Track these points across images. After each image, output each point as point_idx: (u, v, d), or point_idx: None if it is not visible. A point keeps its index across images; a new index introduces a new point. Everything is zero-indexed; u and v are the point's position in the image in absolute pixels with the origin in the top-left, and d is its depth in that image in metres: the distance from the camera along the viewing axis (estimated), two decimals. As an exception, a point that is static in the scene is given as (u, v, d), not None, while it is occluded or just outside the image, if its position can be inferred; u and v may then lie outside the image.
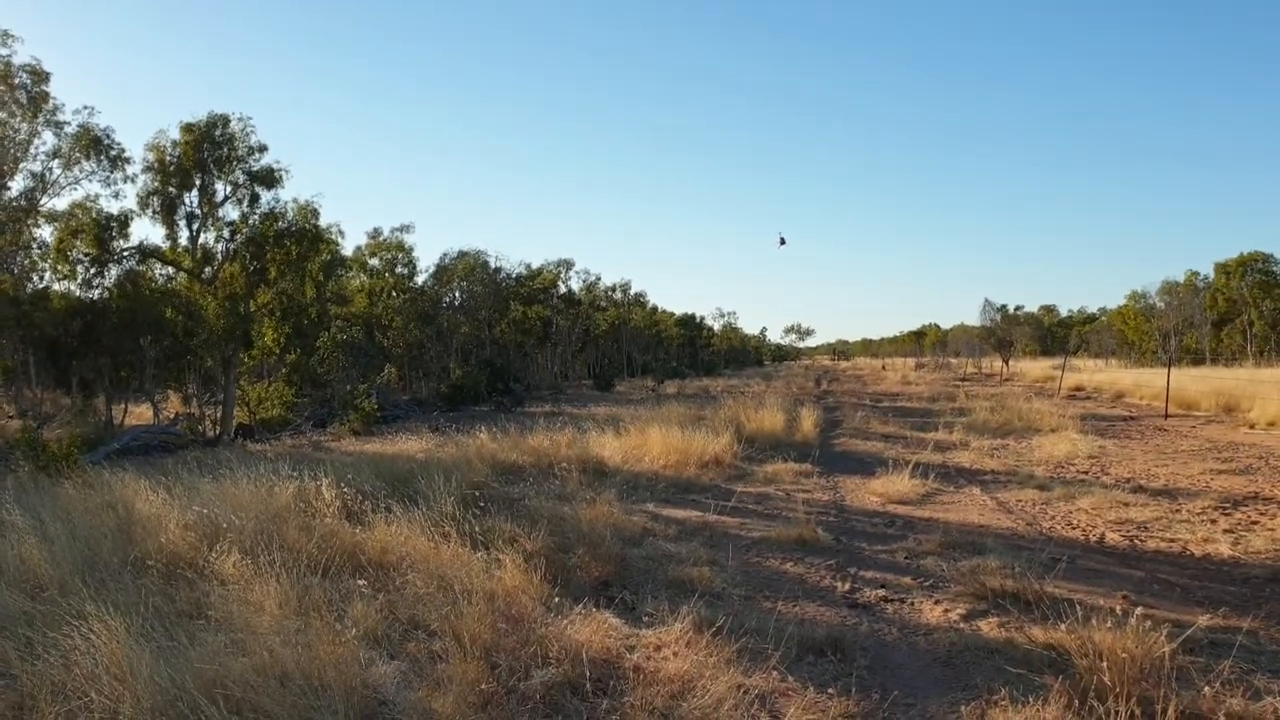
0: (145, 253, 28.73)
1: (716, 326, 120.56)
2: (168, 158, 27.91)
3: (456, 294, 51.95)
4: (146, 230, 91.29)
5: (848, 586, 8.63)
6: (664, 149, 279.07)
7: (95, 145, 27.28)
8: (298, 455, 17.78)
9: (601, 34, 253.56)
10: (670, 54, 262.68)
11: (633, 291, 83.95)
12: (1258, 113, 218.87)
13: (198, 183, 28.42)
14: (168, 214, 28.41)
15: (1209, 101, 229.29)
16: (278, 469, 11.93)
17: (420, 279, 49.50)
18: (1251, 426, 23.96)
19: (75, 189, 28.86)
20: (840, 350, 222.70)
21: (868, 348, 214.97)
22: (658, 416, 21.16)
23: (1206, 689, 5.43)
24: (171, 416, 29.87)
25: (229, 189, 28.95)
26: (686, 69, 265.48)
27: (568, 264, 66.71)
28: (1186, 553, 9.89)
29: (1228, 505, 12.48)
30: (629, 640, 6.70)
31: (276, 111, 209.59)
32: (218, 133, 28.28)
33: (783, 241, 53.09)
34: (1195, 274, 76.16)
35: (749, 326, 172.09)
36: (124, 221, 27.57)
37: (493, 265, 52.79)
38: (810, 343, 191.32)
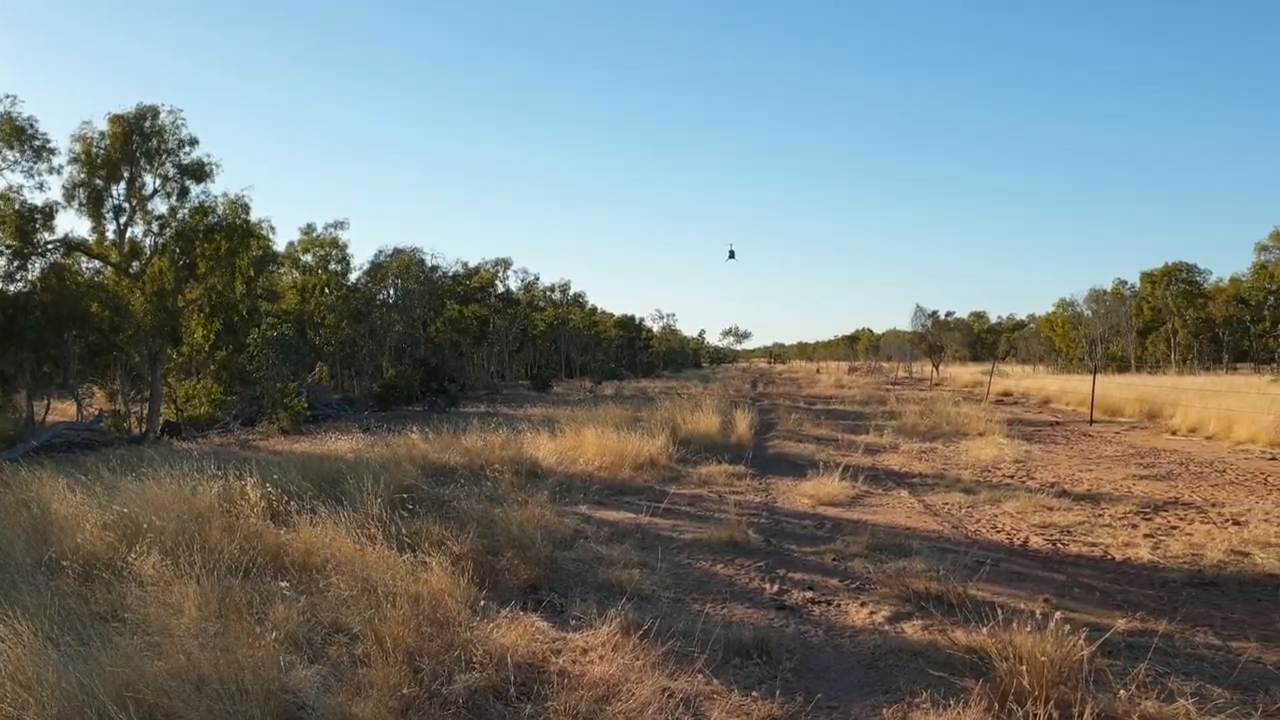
0: (71, 245, 28.05)
1: (655, 328, 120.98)
2: (94, 149, 27.30)
3: (391, 292, 51.45)
4: (72, 223, 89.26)
5: (776, 588, 8.67)
6: (604, 148, 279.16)
7: (18, 134, 26.45)
8: (224, 454, 17.46)
9: (540, 33, 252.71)
10: (605, 54, 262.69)
11: (572, 292, 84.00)
12: (1187, 125, 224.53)
13: (126, 175, 27.84)
14: (94, 206, 27.80)
15: (1138, 112, 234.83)
16: (203, 468, 11.68)
17: (354, 276, 48.97)
18: (1173, 433, 24.55)
19: (-3, 179, 28.01)
20: (777, 353, 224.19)
21: (803, 351, 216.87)
22: (594, 418, 21.13)
23: (1122, 692, 5.51)
24: (96, 413, 29.22)
25: (158, 182, 28.43)
26: (620, 69, 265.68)
27: (505, 263, 66.54)
28: (1107, 557, 10.08)
29: (1148, 510, 12.76)
30: (555, 644, 6.66)
31: (209, 105, 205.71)
32: (147, 124, 27.75)
33: (732, 255, 53.00)
34: (1122, 283, 77.98)
35: (688, 328, 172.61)
36: (48, 213, 26.87)
37: (429, 263, 52.40)
38: (748, 345, 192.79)
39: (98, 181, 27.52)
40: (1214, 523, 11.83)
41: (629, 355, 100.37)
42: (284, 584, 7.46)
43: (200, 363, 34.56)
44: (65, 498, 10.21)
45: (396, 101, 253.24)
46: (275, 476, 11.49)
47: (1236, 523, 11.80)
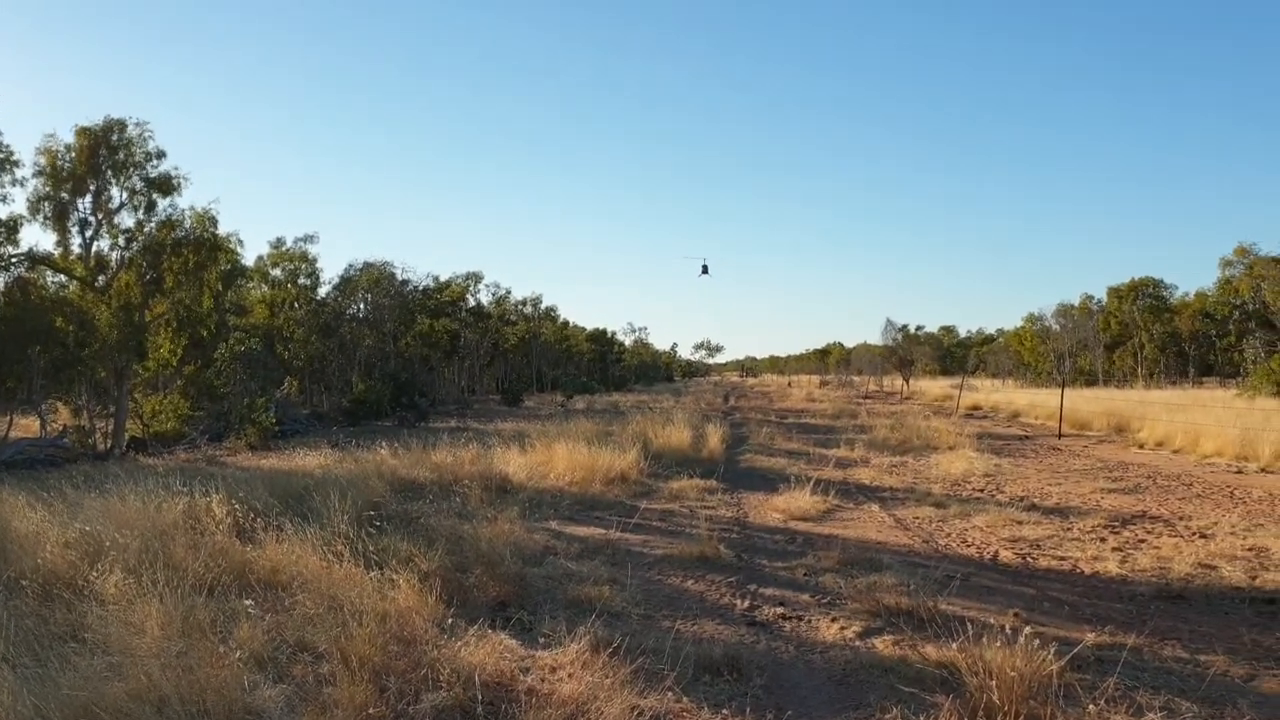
0: (35, 259, 27.72)
1: (628, 342, 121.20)
2: (60, 162, 26.99)
3: (361, 306, 51.15)
4: (37, 236, 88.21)
5: (747, 604, 8.65)
6: (575, 161, 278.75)
7: (-19, 147, 26.14)
8: (191, 470, 17.28)
9: (508, 41, 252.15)
10: (577, 69, 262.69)
11: (544, 305, 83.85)
12: (1153, 141, 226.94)
13: (92, 188, 27.54)
14: (60, 220, 27.45)
15: (1105, 128, 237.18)
16: (169, 484, 11.56)
17: (324, 290, 48.63)
18: (1141, 446, 24.77)
19: (-42, 193, 27.60)
20: (749, 367, 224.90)
21: (775, 365, 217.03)
22: (565, 432, 21.07)
23: (1091, 706, 5.52)
24: (60, 429, 28.83)
25: (125, 195, 28.10)
26: (591, 83, 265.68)
27: (477, 277, 66.39)
28: (1076, 570, 10.13)
29: (1117, 524, 12.85)
30: (524, 662, 6.60)
31: (176, 115, 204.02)
32: (114, 137, 27.45)
33: (705, 270, 52.39)
34: (1090, 298, 78.61)
35: (660, 342, 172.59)
36: (12, 227, 26.51)
37: (399, 277, 52.12)
38: (720, 359, 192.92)
39: (63, 195, 27.19)
40: (1181, 536, 11.92)
41: (601, 369, 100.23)
42: (249, 602, 7.36)
43: (167, 378, 34.21)
44: (26, 515, 10.04)
45: (367, 114, 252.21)
46: (241, 493, 11.38)
47: (1203, 536, 11.90)
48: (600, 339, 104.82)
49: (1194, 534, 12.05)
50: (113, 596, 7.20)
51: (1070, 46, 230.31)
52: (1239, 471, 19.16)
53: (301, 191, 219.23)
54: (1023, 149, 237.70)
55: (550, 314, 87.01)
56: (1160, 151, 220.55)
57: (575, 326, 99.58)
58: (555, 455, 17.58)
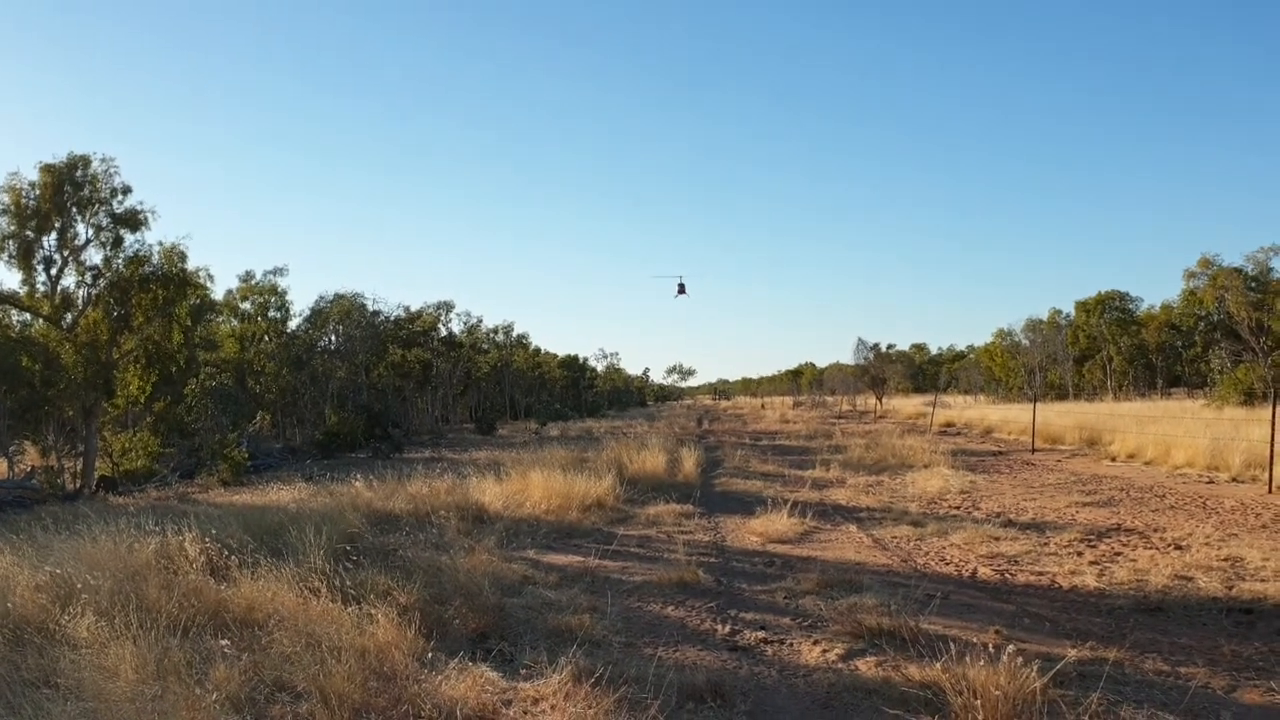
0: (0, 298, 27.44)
1: (600, 367, 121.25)
2: (24, 200, 26.75)
3: (333, 338, 50.92)
4: (1, 275, 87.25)
5: (728, 629, 8.61)
6: (543, 188, 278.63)
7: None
8: (162, 508, 17.09)
9: (474, 70, 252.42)
10: (543, 91, 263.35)
11: (515, 333, 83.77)
12: (1114, 155, 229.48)
13: (57, 225, 27.30)
14: (25, 258, 27.20)
15: (1066, 145, 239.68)
16: (140, 523, 11.39)
17: (295, 323, 48.36)
18: (1113, 459, 24.96)
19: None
20: (721, 390, 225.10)
21: (748, 387, 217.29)
22: (540, 460, 20.99)
23: (1076, 722, 5.52)
24: (28, 470, 28.46)
25: (91, 232, 27.90)
26: (559, 105, 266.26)
27: (448, 306, 66.13)
28: (1055, 585, 10.16)
29: (1093, 537, 12.92)
30: (506, 694, 6.53)
31: (146, 151, 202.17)
32: (79, 174, 27.26)
33: (681, 289, 51.54)
34: (1058, 312, 79.27)
35: (632, 367, 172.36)
36: (-25, 266, 26.29)
37: (370, 308, 52.02)
38: (692, 383, 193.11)
39: (28, 233, 26.96)
40: (1157, 548, 12.00)
41: (574, 395, 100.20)
42: (224, 642, 7.26)
43: (137, 415, 33.88)
44: (-7, 560, 9.87)
45: (335, 145, 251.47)
46: (214, 530, 11.24)
47: (1178, 547, 11.98)
48: (572, 365, 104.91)
49: (1169, 546, 12.13)
50: (85, 640, 7.08)
51: (1032, 66, 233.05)
52: (1210, 482, 19.33)
53: (269, 223, 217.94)
54: (988, 167, 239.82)
55: (522, 341, 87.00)
56: (1124, 166, 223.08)
57: (547, 353, 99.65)
58: (531, 483, 17.50)
